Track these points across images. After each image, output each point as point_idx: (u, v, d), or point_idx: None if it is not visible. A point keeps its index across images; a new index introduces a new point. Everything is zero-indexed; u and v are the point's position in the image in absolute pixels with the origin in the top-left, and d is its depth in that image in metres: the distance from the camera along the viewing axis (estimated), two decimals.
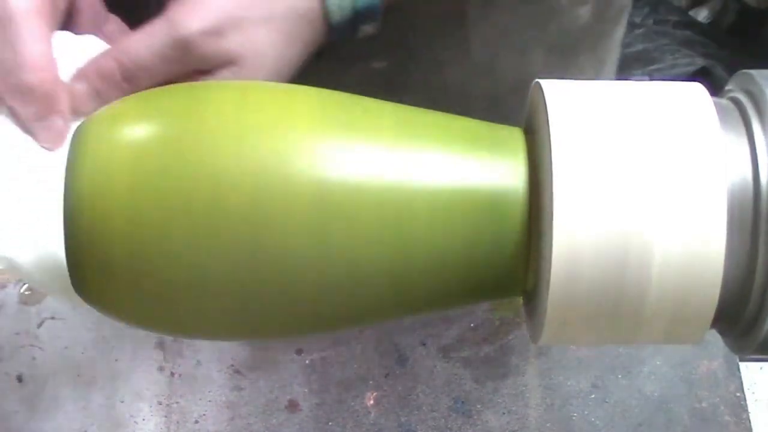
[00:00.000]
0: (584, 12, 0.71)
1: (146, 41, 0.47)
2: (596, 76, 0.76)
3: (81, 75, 0.47)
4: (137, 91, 0.47)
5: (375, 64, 0.66)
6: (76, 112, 0.47)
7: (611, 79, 0.43)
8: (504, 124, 0.38)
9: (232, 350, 0.67)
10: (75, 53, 0.48)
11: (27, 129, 0.46)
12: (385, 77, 0.67)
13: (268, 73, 0.49)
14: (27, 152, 0.46)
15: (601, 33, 0.74)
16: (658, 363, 0.67)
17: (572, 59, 0.73)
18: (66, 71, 0.47)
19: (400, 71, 0.67)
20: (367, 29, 0.53)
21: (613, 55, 0.78)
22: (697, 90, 0.36)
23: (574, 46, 0.73)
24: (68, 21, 0.50)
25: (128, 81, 0.47)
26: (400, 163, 0.36)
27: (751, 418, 0.65)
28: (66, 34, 0.49)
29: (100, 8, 0.52)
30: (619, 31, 0.77)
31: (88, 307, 0.38)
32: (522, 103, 0.38)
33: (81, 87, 0.47)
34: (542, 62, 0.71)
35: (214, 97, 0.37)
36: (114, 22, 0.52)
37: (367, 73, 0.66)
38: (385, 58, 0.66)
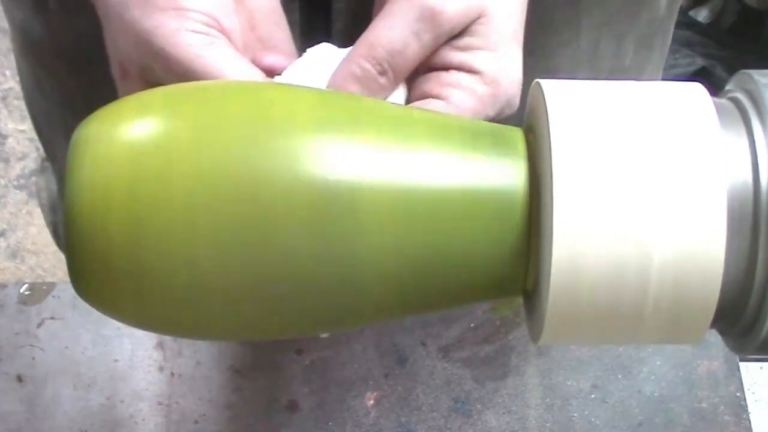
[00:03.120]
0: (663, 4, 0.71)
1: (390, 25, 0.44)
2: (658, 75, 0.76)
3: (336, 87, 0.45)
4: (396, 84, 0.45)
5: None
6: None
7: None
8: None
9: (232, 350, 0.67)
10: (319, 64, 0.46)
11: None
12: None
13: (517, 17, 0.47)
14: None
15: (667, 29, 0.74)
16: (658, 363, 0.67)
17: (649, 54, 0.72)
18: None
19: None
20: None
21: (665, 58, 0.77)
22: (697, 90, 0.36)
23: (652, 39, 0.72)
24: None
25: (385, 74, 0.45)
26: (400, 163, 0.36)
27: (751, 418, 0.65)
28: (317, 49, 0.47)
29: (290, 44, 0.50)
30: (671, 33, 0.77)
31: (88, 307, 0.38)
32: None
33: None
34: (632, 54, 0.70)
35: (213, 97, 0.37)
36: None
37: None
38: None
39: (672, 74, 1.67)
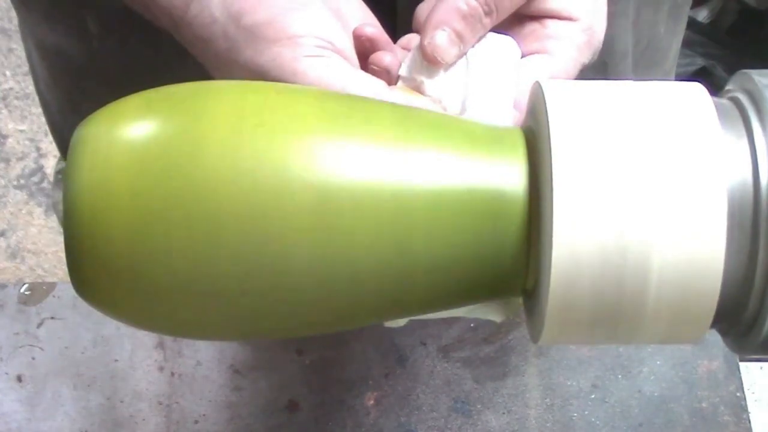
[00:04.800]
0: None
1: None
2: (675, 59, 0.76)
3: (437, 24, 0.44)
4: (494, 24, 0.44)
5: None
6: (438, 67, 0.44)
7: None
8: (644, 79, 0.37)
9: (232, 350, 0.67)
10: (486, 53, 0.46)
11: None
12: None
13: None
14: None
15: (688, 6, 0.74)
16: (658, 363, 0.67)
17: (675, 26, 0.72)
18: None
19: None
20: None
21: (683, 32, 0.77)
22: (697, 90, 0.36)
23: (681, 11, 0.71)
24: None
25: (490, 14, 0.44)
26: (400, 163, 0.36)
27: (751, 418, 0.65)
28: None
29: (387, 38, 0.49)
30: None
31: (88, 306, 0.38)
32: (649, 65, 0.37)
33: (441, 36, 0.44)
34: (665, 23, 0.70)
35: (214, 97, 0.37)
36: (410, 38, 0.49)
37: None
38: None
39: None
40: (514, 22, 0.46)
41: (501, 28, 0.46)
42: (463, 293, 0.37)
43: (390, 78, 0.45)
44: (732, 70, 0.68)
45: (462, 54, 0.45)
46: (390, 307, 0.38)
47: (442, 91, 0.44)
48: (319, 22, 0.44)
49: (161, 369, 0.66)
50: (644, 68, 0.37)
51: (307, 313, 0.37)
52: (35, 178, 1.62)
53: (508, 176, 0.36)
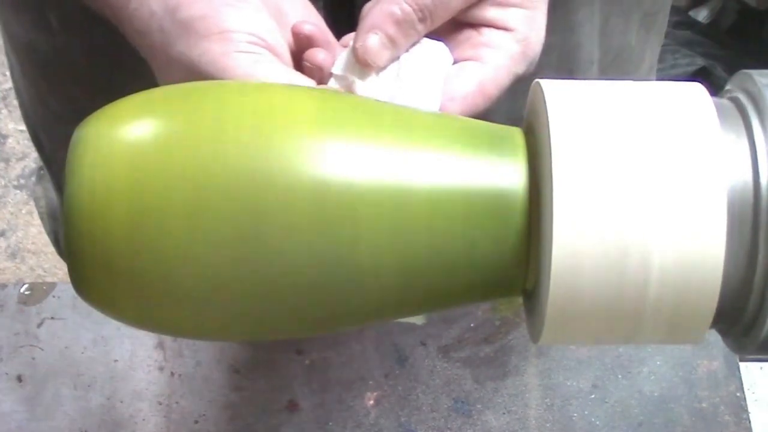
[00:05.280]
0: None
1: None
2: (651, 70, 0.76)
3: (370, 27, 0.44)
4: (427, 31, 0.45)
5: None
6: (369, 70, 0.45)
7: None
8: None
9: (232, 350, 0.67)
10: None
11: None
12: None
13: None
14: None
15: (666, 10, 0.74)
16: (658, 363, 0.67)
17: (648, 35, 0.72)
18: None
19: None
20: None
21: (661, 42, 0.77)
22: (697, 90, 0.36)
23: (654, 18, 0.72)
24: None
25: (424, 21, 0.45)
26: (400, 163, 0.36)
27: (751, 418, 0.65)
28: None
29: (325, 34, 0.49)
30: (667, 18, 0.77)
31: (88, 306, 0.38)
32: (619, 74, 0.38)
33: (374, 39, 0.44)
34: (635, 33, 0.70)
35: (213, 98, 0.37)
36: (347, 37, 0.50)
37: None
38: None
39: (672, 74, 1.67)
40: (452, 28, 0.47)
41: (438, 33, 0.46)
42: (463, 293, 0.37)
43: (323, 76, 0.45)
44: (732, 70, 0.68)
45: (394, 58, 0.45)
46: (389, 307, 0.38)
47: (373, 92, 0.44)
48: (252, 18, 0.44)
49: (161, 369, 0.66)
50: (614, 78, 0.37)
51: (307, 313, 0.37)
52: (35, 178, 1.62)
53: (508, 176, 0.36)
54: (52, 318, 0.68)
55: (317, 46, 0.46)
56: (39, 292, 0.68)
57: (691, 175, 0.33)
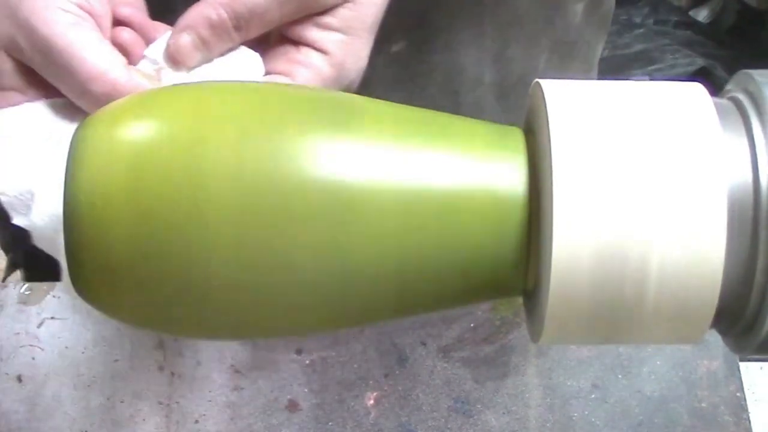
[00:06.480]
0: (579, 8, 0.71)
1: None
2: None
3: (185, 26, 0.45)
4: (245, 40, 0.46)
5: (394, 47, 0.66)
6: (180, 67, 0.45)
7: None
8: (513, 114, 0.38)
9: (232, 350, 0.67)
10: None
11: None
12: (403, 61, 0.66)
13: (379, 8, 0.48)
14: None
15: (589, 41, 0.75)
16: (658, 363, 0.67)
17: (568, 63, 0.73)
18: None
19: (418, 53, 0.67)
20: None
21: (595, 71, 0.78)
22: (697, 90, 0.36)
23: (571, 48, 0.73)
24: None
25: (239, 29, 0.45)
26: (400, 163, 0.36)
27: (751, 418, 0.65)
28: None
29: (144, 20, 0.50)
30: (600, 48, 0.78)
31: (88, 306, 0.38)
32: (524, 99, 0.39)
33: (186, 39, 0.45)
34: (545, 59, 0.71)
35: (214, 98, 0.37)
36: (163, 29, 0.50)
37: (386, 58, 0.66)
38: (403, 39, 0.66)
39: (672, 74, 1.67)
40: (276, 41, 0.48)
41: (259, 44, 0.47)
42: (463, 293, 0.37)
43: (134, 56, 0.46)
44: (732, 70, 0.68)
45: (207, 60, 0.46)
46: (390, 307, 0.38)
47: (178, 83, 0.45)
48: None
49: (161, 369, 0.66)
50: (520, 102, 0.37)
51: (308, 313, 0.37)
52: None
53: (508, 176, 0.36)
54: (52, 318, 0.68)
55: (132, 27, 0.47)
56: (39, 292, 0.68)
57: (691, 175, 0.33)
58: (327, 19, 0.47)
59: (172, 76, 0.46)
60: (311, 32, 0.47)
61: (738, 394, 0.66)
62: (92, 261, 0.36)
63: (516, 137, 0.37)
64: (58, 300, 0.68)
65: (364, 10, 0.47)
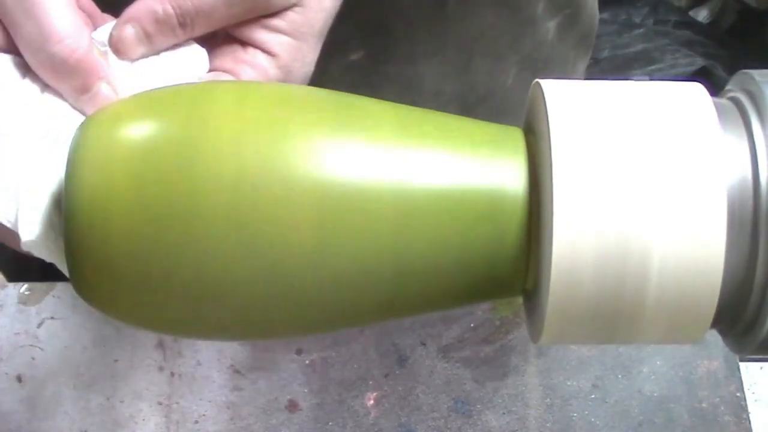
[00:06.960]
0: (551, 26, 0.71)
1: None
2: None
3: (129, 18, 0.45)
4: (191, 38, 0.45)
5: (352, 55, 0.66)
6: (122, 57, 0.45)
7: None
8: None
9: (232, 350, 0.67)
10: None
11: (75, 106, 0.44)
12: (362, 70, 0.67)
13: (328, 13, 0.48)
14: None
15: (566, 58, 0.75)
16: (658, 363, 0.67)
17: (542, 79, 0.73)
18: None
19: (377, 62, 0.67)
20: None
21: None
22: (697, 90, 0.36)
23: (545, 65, 0.73)
24: None
25: (184, 27, 0.45)
26: (400, 163, 0.36)
27: (751, 418, 0.65)
28: None
29: (94, 9, 0.50)
30: (582, 66, 0.77)
31: (88, 306, 0.38)
32: (490, 113, 0.38)
33: (129, 31, 0.45)
34: (514, 75, 0.71)
35: (214, 98, 0.37)
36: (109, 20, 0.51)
37: (344, 66, 0.66)
38: (362, 48, 0.66)
39: (672, 74, 1.67)
40: (225, 39, 0.47)
41: (208, 41, 0.47)
42: (463, 293, 0.37)
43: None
44: (732, 70, 0.68)
45: (151, 53, 0.45)
46: (389, 307, 0.38)
47: (120, 72, 0.45)
48: None
49: (161, 369, 0.66)
50: (486, 116, 0.37)
51: (308, 313, 0.37)
52: None
53: (508, 176, 0.36)
54: (52, 318, 0.68)
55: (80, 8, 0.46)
56: (39, 292, 0.68)
57: (691, 175, 0.34)
58: (275, 21, 0.47)
59: (116, 61, 0.45)
60: (259, 34, 0.47)
61: (738, 394, 0.66)
62: (92, 261, 0.36)
63: (516, 137, 0.37)
64: (58, 300, 0.68)
65: (312, 15, 0.47)
